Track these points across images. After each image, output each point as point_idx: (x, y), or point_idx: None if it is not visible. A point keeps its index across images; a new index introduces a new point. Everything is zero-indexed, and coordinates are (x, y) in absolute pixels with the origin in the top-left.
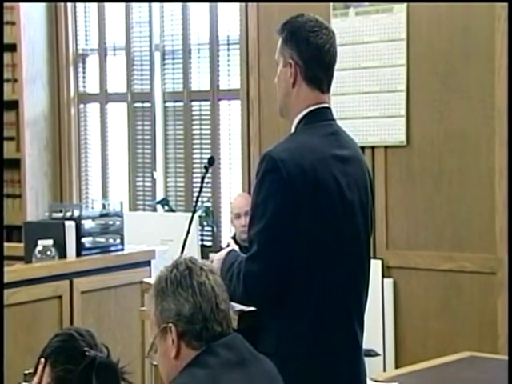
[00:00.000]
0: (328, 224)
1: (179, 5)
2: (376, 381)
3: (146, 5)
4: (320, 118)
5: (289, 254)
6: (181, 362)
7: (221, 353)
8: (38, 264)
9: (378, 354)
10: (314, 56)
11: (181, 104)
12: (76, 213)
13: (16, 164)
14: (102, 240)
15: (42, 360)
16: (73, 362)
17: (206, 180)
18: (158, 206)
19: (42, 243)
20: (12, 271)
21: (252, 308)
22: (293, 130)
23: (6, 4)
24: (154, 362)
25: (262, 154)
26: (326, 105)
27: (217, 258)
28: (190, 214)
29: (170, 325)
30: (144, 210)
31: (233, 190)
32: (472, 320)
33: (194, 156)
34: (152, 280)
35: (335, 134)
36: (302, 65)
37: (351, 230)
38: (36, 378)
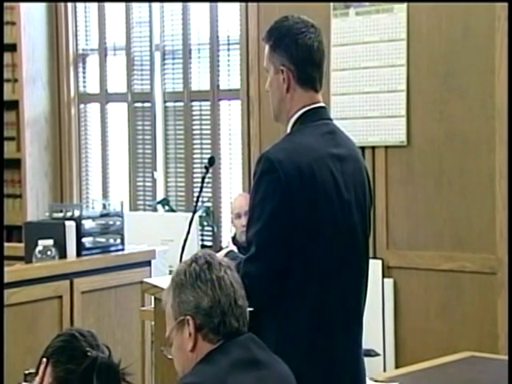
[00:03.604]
0: (326, 223)
1: (179, 5)
2: (376, 381)
3: (146, 5)
4: (316, 117)
5: (287, 254)
6: (196, 354)
7: (233, 352)
8: (38, 264)
9: (377, 354)
10: (304, 57)
11: (181, 104)
12: (76, 213)
13: (16, 164)
14: (103, 240)
15: (44, 360)
16: (74, 362)
17: (206, 180)
18: (159, 206)
19: (42, 243)
20: (12, 271)
21: (251, 308)
22: (288, 130)
23: (6, 4)
24: (170, 356)
25: (259, 155)
26: (321, 104)
27: None
28: (190, 214)
29: (188, 317)
30: (144, 209)
31: (233, 190)
32: (472, 320)
33: (194, 156)
34: (152, 280)
35: (331, 133)
36: (294, 68)
37: (349, 229)
38: (38, 378)
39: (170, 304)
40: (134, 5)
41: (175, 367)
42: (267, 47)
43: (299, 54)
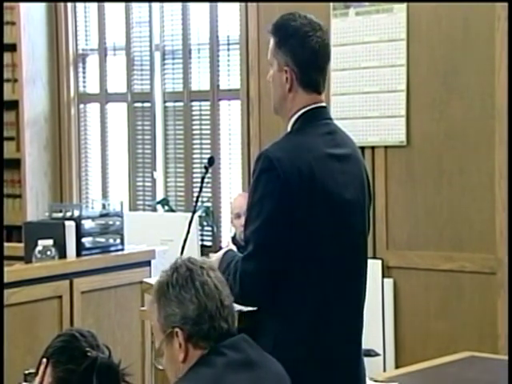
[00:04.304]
0: (325, 223)
1: (179, 5)
2: (376, 381)
3: (146, 5)
4: (316, 117)
5: (285, 253)
6: (189, 364)
7: (227, 353)
8: (38, 264)
9: (377, 354)
10: (309, 61)
11: (181, 104)
12: (76, 213)
13: (16, 164)
14: (102, 240)
15: (44, 360)
16: (74, 363)
17: (205, 180)
18: (158, 206)
19: (42, 243)
20: (12, 271)
21: (250, 308)
22: (289, 129)
23: (6, 4)
24: (160, 367)
25: (258, 153)
26: (323, 104)
27: (214, 258)
28: (190, 214)
29: (177, 329)
30: (144, 210)
31: (233, 190)
32: (472, 320)
33: (194, 156)
34: (152, 280)
35: (332, 133)
36: (298, 70)
37: (348, 228)
38: (38, 378)
39: (156, 318)
40: (134, 5)
41: (168, 377)
42: (272, 42)
43: (304, 57)
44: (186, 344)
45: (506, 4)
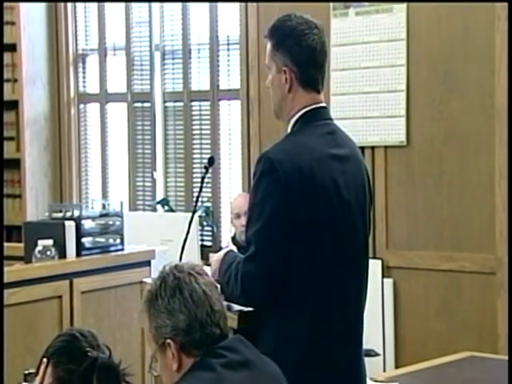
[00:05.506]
0: (325, 224)
1: (179, 5)
2: (376, 381)
3: (146, 5)
4: (317, 117)
5: (286, 254)
6: (183, 371)
7: (224, 354)
8: (38, 264)
9: (377, 354)
10: (307, 59)
11: (181, 104)
12: (76, 213)
13: (16, 164)
14: (102, 240)
15: (45, 360)
16: (75, 363)
17: (205, 180)
18: (158, 206)
19: (41, 243)
20: (12, 271)
21: (251, 308)
22: (289, 130)
23: (6, 4)
24: (155, 373)
25: (259, 155)
26: (323, 104)
27: (215, 258)
28: (190, 214)
29: (168, 340)
30: (144, 210)
31: (233, 190)
32: (472, 320)
33: (194, 156)
34: (152, 280)
35: (332, 133)
36: (297, 70)
37: (349, 229)
38: (38, 378)
39: (148, 328)
40: (134, 5)
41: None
42: (269, 45)
43: (302, 56)
44: (179, 354)
45: (505, 4)
